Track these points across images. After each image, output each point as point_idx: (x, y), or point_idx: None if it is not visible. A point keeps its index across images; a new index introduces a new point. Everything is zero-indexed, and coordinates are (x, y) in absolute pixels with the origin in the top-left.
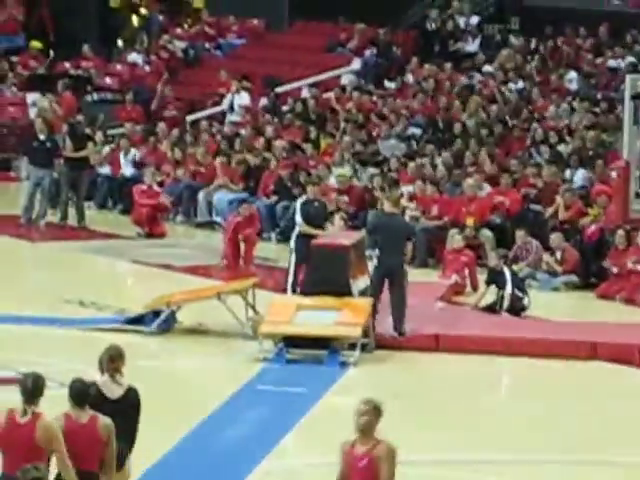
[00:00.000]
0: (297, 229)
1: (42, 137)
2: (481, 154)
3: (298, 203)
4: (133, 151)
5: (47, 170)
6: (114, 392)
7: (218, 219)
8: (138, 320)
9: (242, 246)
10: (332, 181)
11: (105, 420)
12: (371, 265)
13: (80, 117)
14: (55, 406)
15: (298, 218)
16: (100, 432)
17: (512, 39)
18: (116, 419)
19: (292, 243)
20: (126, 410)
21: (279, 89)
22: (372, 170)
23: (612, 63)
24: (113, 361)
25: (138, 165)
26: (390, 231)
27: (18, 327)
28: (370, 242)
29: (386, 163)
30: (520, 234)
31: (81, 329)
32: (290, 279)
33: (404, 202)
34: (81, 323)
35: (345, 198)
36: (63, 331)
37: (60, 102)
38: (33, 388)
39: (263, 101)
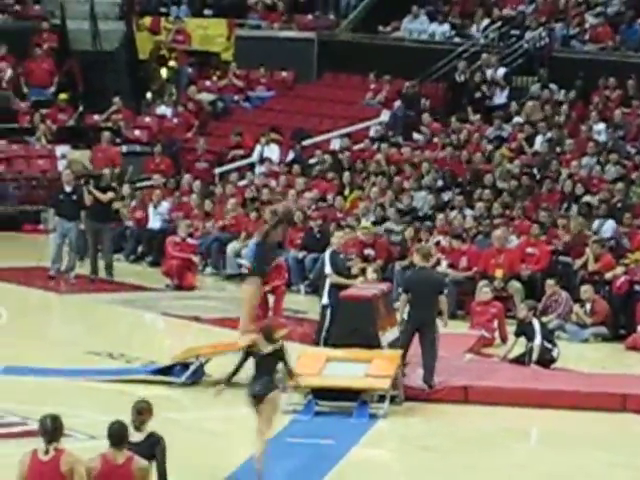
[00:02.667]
0: (327, 284)
1: (68, 189)
2: (511, 206)
3: (327, 254)
4: (164, 204)
5: (74, 222)
6: (135, 437)
7: (246, 271)
8: (167, 371)
9: (270, 298)
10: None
11: (141, 462)
12: (399, 317)
13: (106, 170)
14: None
15: (328, 269)
16: (135, 473)
17: (539, 90)
18: None
19: (325, 299)
20: (146, 451)
21: (307, 141)
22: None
23: None
24: (141, 414)
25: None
26: (421, 285)
27: (47, 379)
28: (398, 293)
29: (416, 215)
30: (550, 283)
31: (110, 381)
32: (323, 334)
33: (436, 253)
34: (110, 374)
35: (371, 251)
36: (92, 383)
37: (102, 154)
38: (52, 428)
39: (291, 153)
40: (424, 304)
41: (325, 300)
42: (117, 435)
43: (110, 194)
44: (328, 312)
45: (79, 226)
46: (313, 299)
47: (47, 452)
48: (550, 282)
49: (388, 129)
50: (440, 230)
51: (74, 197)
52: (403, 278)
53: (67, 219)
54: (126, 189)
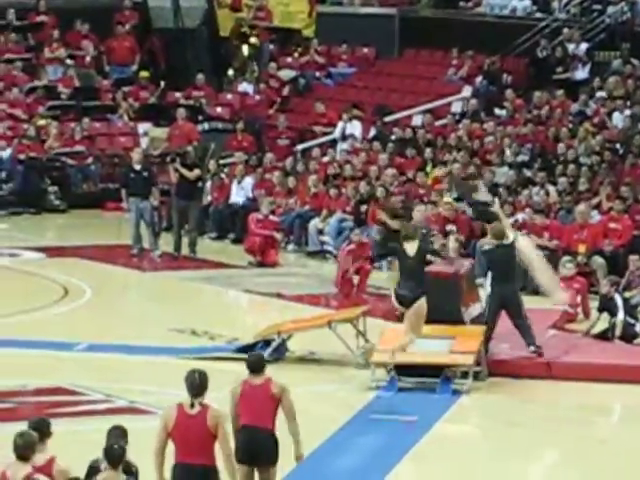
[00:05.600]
0: None
1: (138, 167)
2: (595, 181)
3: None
4: (248, 179)
5: (147, 200)
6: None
7: (329, 248)
8: (250, 349)
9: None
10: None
11: (278, 383)
12: (483, 293)
13: (190, 147)
14: None
15: None
16: (273, 391)
17: (622, 65)
18: None
19: None
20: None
21: (389, 117)
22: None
23: None
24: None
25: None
26: (500, 261)
27: (132, 357)
28: (481, 270)
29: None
30: (634, 259)
31: (194, 358)
32: None
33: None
34: (193, 352)
35: (453, 227)
36: (176, 360)
37: (179, 131)
38: (199, 382)
39: (373, 130)
40: (505, 279)
41: None
42: (255, 363)
43: (196, 171)
44: None
45: (153, 203)
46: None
47: (193, 406)
48: (634, 257)
49: (476, 105)
50: (522, 205)
51: (145, 174)
52: (483, 257)
53: (140, 197)
54: (212, 165)
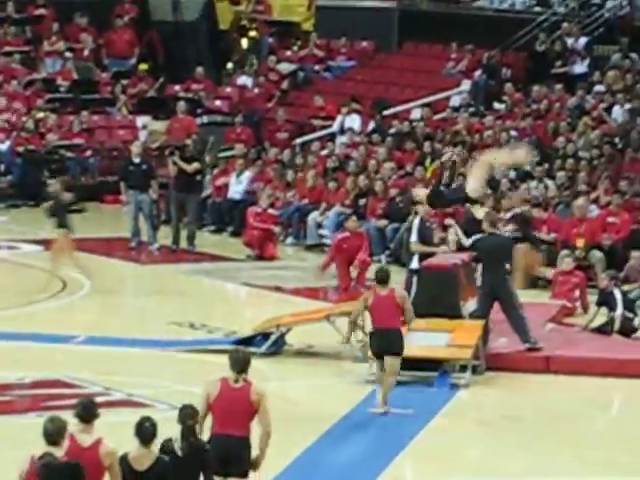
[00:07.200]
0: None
1: (137, 160)
2: (594, 175)
3: (416, 221)
4: (247, 173)
5: (145, 193)
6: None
7: (328, 241)
8: (248, 342)
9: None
10: None
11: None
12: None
13: (189, 140)
14: (165, 429)
15: (414, 237)
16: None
17: (620, 60)
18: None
19: (415, 264)
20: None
21: (388, 111)
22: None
23: None
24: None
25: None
26: (491, 250)
27: (130, 350)
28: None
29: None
30: (636, 255)
31: (192, 351)
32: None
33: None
34: (191, 345)
35: (452, 221)
36: (174, 353)
37: (179, 124)
38: (243, 359)
39: (371, 123)
40: (495, 269)
41: (415, 264)
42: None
43: (195, 164)
44: (415, 279)
45: (152, 196)
46: (394, 269)
47: (237, 381)
48: (636, 254)
49: (469, 98)
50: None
51: (144, 167)
52: (474, 247)
53: (139, 190)
54: (210, 158)
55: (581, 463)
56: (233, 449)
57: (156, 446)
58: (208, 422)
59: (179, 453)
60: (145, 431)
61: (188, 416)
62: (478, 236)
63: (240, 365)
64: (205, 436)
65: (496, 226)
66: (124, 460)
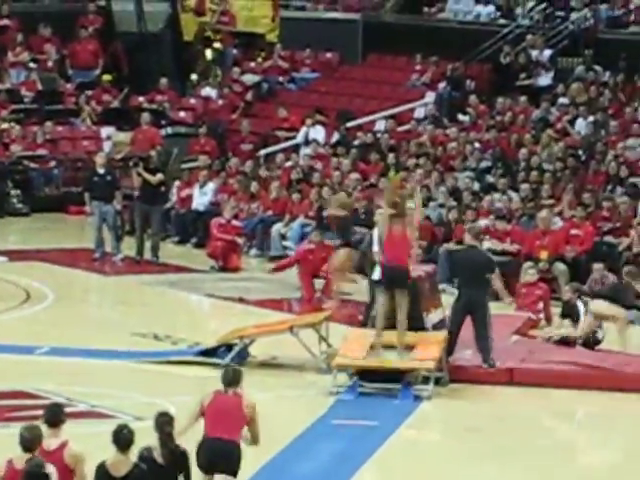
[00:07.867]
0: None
1: (102, 171)
2: (557, 188)
3: (375, 232)
4: (210, 184)
5: (110, 204)
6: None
7: (291, 253)
8: (211, 353)
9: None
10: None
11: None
12: (446, 298)
13: (153, 151)
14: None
15: (376, 247)
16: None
17: (584, 72)
18: None
19: (377, 274)
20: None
21: (352, 123)
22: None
23: None
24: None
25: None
26: (470, 264)
27: (93, 361)
28: (444, 275)
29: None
30: (598, 267)
31: (155, 363)
32: (373, 313)
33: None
34: (155, 356)
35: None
36: (137, 364)
37: (143, 135)
38: (232, 376)
39: (336, 135)
40: (473, 284)
41: (377, 275)
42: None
43: (159, 176)
44: (378, 289)
45: (116, 207)
46: (358, 280)
47: (226, 392)
48: (598, 266)
49: (434, 110)
50: (484, 212)
51: (108, 178)
52: (451, 259)
53: (103, 201)
54: (174, 169)
55: (542, 475)
56: (223, 450)
57: (133, 454)
58: (197, 426)
59: (159, 460)
60: (122, 438)
61: (165, 423)
62: (457, 247)
63: (227, 380)
64: (194, 439)
65: (479, 239)
66: (102, 467)
